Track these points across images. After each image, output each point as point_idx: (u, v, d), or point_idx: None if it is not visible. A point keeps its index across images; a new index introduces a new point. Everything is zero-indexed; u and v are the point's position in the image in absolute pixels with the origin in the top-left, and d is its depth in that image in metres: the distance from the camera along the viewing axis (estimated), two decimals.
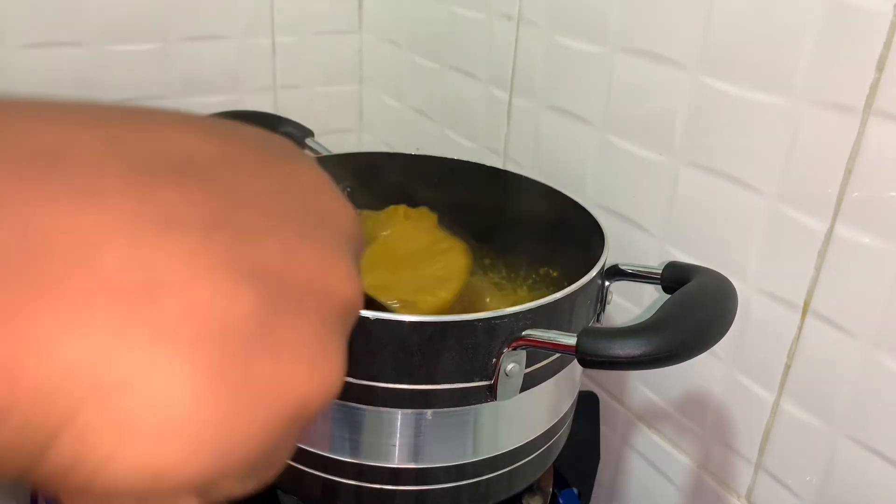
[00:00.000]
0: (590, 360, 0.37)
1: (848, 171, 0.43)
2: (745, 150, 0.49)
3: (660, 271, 0.47)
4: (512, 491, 0.48)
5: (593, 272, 0.45)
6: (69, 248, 0.13)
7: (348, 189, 0.61)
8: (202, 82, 0.84)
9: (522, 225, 0.62)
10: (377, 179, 0.63)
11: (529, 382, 0.43)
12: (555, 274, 0.61)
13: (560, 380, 0.46)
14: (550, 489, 0.54)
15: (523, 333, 0.40)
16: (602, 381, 0.67)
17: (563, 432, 0.51)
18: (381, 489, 0.44)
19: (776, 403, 0.51)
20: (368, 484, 0.44)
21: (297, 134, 0.70)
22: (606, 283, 0.49)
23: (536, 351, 0.41)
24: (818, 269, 0.46)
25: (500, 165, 0.70)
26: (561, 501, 0.56)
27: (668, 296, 0.41)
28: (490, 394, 0.41)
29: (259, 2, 0.85)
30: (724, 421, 0.55)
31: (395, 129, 0.91)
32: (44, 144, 0.14)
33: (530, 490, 0.53)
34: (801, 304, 0.48)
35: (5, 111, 0.15)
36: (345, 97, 0.95)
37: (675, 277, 0.45)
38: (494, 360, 0.40)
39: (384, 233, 0.59)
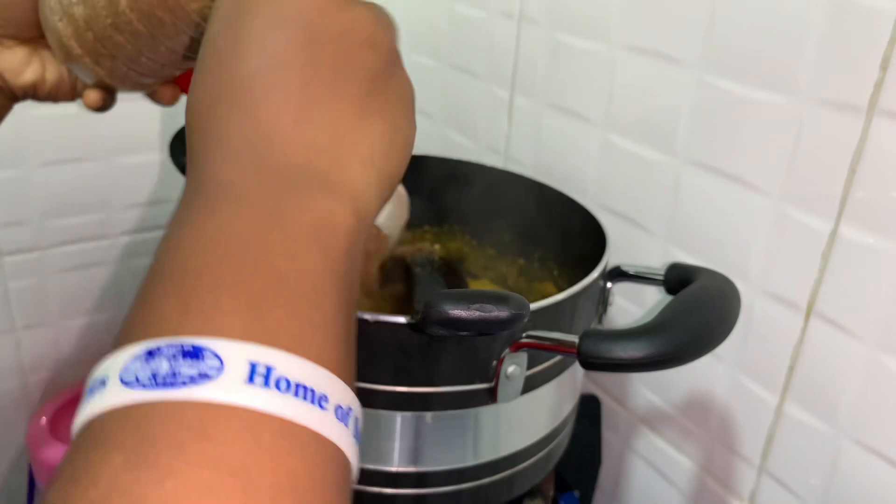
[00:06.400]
0: (592, 363, 0.36)
1: (852, 171, 0.43)
2: (748, 150, 0.49)
3: (662, 272, 0.46)
4: (513, 494, 0.47)
5: (595, 273, 0.44)
6: None
7: None
8: None
9: (523, 225, 0.62)
10: None
11: (530, 385, 0.42)
12: (553, 286, 0.61)
13: (561, 382, 0.46)
14: (552, 493, 0.54)
15: (524, 335, 0.39)
16: (604, 384, 0.66)
17: (565, 435, 0.51)
18: (381, 493, 0.43)
19: (780, 406, 0.50)
20: (367, 487, 0.43)
21: None
22: (608, 285, 0.48)
23: (538, 353, 0.41)
24: (822, 270, 0.46)
25: (500, 165, 0.70)
26: None
27: (671, 297, 0.40)
28: (491, 396, 0.41)
29: None
30: (727, 424, 0.55)
31: None
32: None
33: (531, 494, 0.52)
34: (805, 306, 0.47)
35: None
36: None
37: (677, 279, 0.45)
38: (495, 362, 0.40)
39: None
